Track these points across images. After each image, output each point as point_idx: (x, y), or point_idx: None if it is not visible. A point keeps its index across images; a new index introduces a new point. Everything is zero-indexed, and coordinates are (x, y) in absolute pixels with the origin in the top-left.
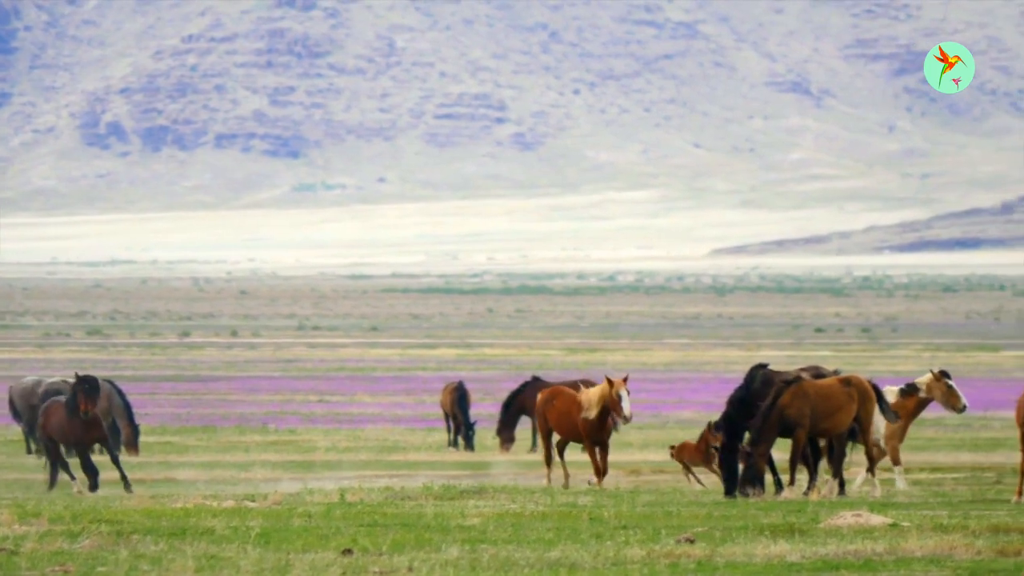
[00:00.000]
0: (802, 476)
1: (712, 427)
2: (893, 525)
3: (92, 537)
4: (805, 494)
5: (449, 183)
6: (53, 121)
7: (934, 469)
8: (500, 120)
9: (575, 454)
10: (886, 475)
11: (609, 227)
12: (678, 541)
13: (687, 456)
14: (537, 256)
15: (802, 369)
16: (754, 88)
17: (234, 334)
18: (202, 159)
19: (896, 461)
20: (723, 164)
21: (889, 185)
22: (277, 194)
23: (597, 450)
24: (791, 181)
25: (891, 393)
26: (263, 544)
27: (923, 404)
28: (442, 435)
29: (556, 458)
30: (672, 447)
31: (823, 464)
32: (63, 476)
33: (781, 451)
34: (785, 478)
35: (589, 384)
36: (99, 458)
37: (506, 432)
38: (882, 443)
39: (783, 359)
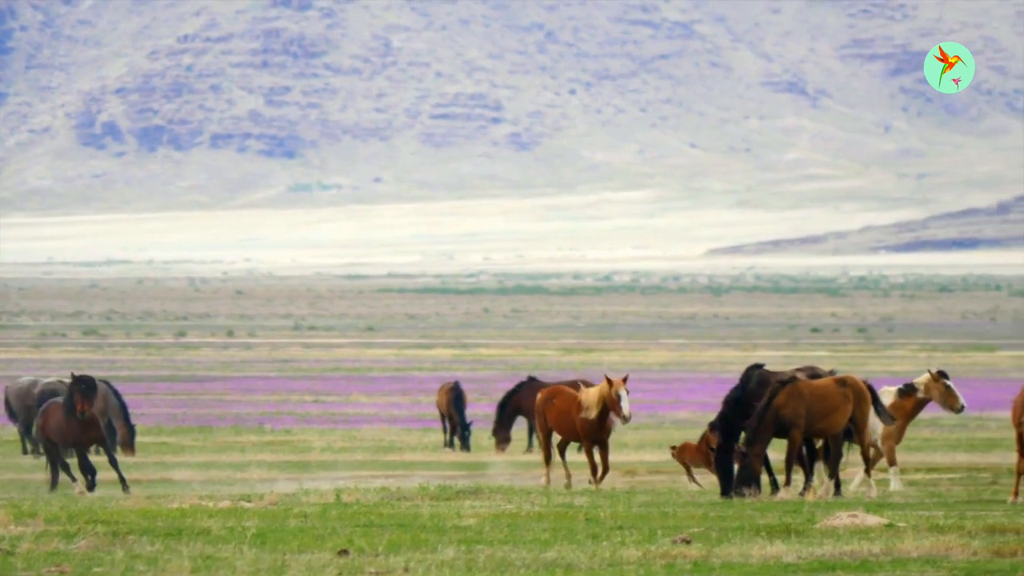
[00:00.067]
0: (798, 477)
1: (709, 427)
2: (889, 526)
3: (88, 537)
4: (801, 494)
5: (445, 183)
6: (49, 121)
7: (930, 469)
8: (496, 120)
9: (576, 454)
10: (882, 476)
11: (605, 227)
12: (674, 542)
13: (688, 457)
14: (533, 256)
15: (798, 369)
16: (750, 88)
17: (230, 334)
18: (198, 159)
19: (892, 462)
20: (719, 164)
21: (885, 185)
22: (273, 194)
23: (597, 449)
24: (787, 181)
25: (889, 393)
26: (259, 544)
27: (921, 404)
28: (438, 435)
29: (556, 458)
30: (673, 447)
31: (819, 465)
32: (64, 477)
33: (777, 451)
34: (781, 479)
35: (588, 384)
36: (96, 458)
37: (502, 432)
38: (879, 443)
39: (779, 359)
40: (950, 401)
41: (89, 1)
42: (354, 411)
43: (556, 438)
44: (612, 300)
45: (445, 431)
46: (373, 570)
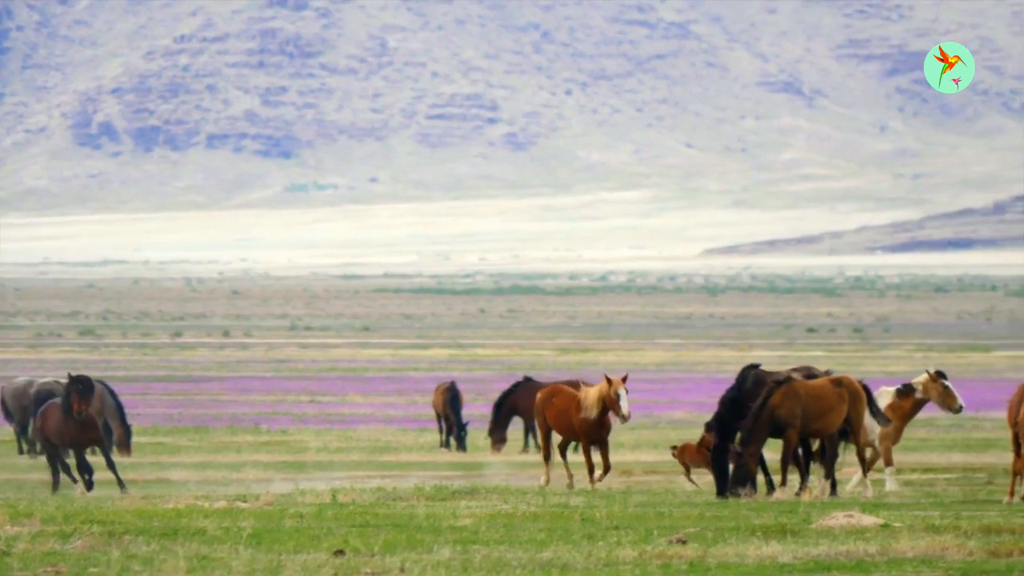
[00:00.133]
0: (793, 477)
1: (705, 428)
2: (885, 526)
3: (84, 538)
4: (797, 495)
5: (441, 183)
6: (45, 121)
7: (926, 470)
8: (492, 120)
9: (576, 454)
10: (878, 476)
11: (601, 227)
12: (670, 542)
13: (688, 457)
14: (529, 256)
15: (794, 369)
16: (746, 88)
17: (226, 334)
18: (194, 159)
19: (888, 462)
20: (715, 164)
21: (881, 185)
22: (269, 194)
23: (597, 448)
24: (783, 181)
25: (888, 394)
26: (255, 545)
27: (919, 405)
28: (434, 436)
29: (556, 457)
30: (674, 447)
31: (814, 465)
32: (64, 478)
33: (773, 451)
34: (777, 479)
35: (587, 384)
36: (93, 459)
37: (498, 432)
38: (876, 444)
39: (775, 359)
40: (948, 401)
41: (85, 1)
42: (350, 411)
43: (556, 438)
44: (608, 300)
45: (441, 431)
46: (369, 570)
